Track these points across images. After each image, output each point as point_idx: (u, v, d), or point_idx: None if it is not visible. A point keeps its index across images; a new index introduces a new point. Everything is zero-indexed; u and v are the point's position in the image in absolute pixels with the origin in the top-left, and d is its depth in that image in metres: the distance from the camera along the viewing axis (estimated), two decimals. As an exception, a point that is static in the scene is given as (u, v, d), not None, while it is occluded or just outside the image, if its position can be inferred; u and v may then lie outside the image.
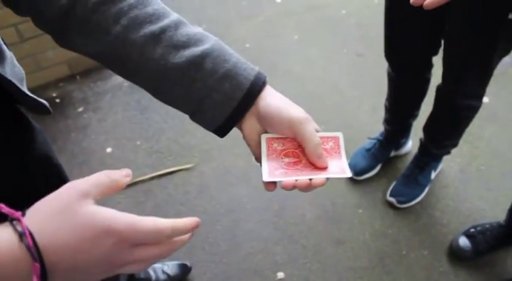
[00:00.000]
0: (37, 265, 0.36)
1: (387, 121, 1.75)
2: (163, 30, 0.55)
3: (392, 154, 1.85)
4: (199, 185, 1.84)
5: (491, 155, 1.87)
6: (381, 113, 1.82)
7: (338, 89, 2.18)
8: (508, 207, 1.53)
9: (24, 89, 0.70)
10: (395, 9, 1.31)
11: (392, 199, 1.71)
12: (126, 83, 2.24)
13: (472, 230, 1.58)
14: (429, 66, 1.47)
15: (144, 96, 2.15)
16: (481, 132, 1.92)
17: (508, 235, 1.54)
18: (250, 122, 0.57)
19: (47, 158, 0.87)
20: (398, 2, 1.29)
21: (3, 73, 0.63)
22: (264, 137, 0.56)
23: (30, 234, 0.37)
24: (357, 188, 1.81)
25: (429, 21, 1.27)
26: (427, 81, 1.52)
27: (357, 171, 1.79)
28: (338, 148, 0.57)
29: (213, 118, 0.56)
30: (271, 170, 0.54)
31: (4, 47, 0.68)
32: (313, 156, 0.54)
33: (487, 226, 1.57)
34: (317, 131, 0.56)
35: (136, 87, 2.27)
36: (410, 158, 1.84)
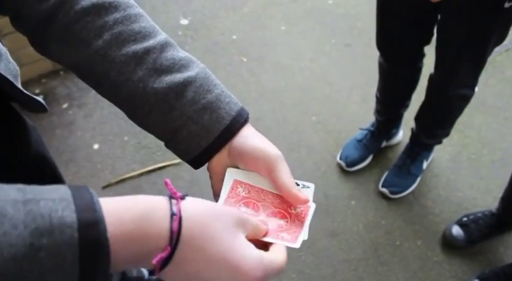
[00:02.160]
0: (168, 249, 0.37)
1: (378, 112, 1.74)
2: (147, 51, 0.52)
3: (384, 144, 1.84)
4: (190, 180, 1.82)
5: (481, 143, 1.88)
6: (371, 104, 1.81)
7: (327, 80, 2.16)
8: (499, 195, 1.54)
9: (19, 86, 0.67)
10: (390, 3, 1.29)
11: (384, 190, 1.71)
12: (112, 78, 2.18)
13: (465, 219, 1.58)
14: (421, 55, 1.46)
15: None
16: (471, 121, 1.93)
17: (500, 223, 1.55)
18: (219, 154, 0.54)
19: (42, 157, 0.85)
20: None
21: None
22: (231, 176, 0.52)
23: (180, 219, 0.38)
24: (349, 179, 1.80)
25: (422, 11, 1.26)
26: (418, 70, 1.52)
27: (349, 162, 1.78)
28: (304, 217, 0.51)
29: (188, 150, 0.54)
30: None
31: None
32: (291, 189, 0.50)
33: (479, 214, 1.58)
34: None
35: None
36: (401, 148, 1.84)
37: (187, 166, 1.95)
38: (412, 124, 1.69)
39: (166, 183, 0.41)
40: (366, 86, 2.07)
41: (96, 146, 1.94)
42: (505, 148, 1.86)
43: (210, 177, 0.56)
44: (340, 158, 1.80)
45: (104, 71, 0.52)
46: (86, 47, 0.51)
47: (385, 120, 1.75)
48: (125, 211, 0.37)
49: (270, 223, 0.49)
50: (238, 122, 0.53)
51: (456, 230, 1.56)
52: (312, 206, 0.52)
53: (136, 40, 0.52)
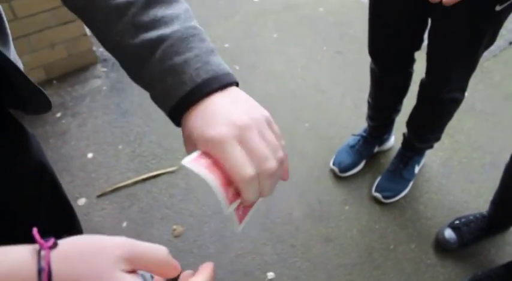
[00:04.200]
0: None
1: (370, 117, 1.76)
2: (129, 5, 0.51)
3: (376, 149, 1.87)
4: (185, 188, 1.82)
5: (471, 148, 1.91)
6: (363, 109, 1.83)
7: (319, 87, 2.19)
8: (490, 198, 1.57)
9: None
10: (380, 6, 1.32)
11: (378, 195, 1.73)
12: (105, 86, 2.20)
13: (457, 222, 1.60)
14: (412, 61, 1.48)
15: (124, 100, 2.12)
16: (460, 126, 1.96)
17: (491, 225, 1.57)
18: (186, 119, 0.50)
19: (42, 165, 0.85)
20: (385, 7, 1.29)
21: (8, 56, 0.60)
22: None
23: (49, 275, 0.36)
24: (343, 184, 1.82)
25: (413, 17, 1.28)
26: (409, 76, 1.54)
27: (342, 168, 1.80)
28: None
29: (161, 106, 0.52)
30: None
31: (9, 33, 0.65)
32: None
33: (471, 217, 1.60)
34: None
35: (116, 90, 2.24)
36: (393, 153, 1.87)
37: (182, 174, 1.97)
38: (403, 129, 1.72)
39: (33, 234, 0.38)
40: (358, 92, 2.10)
41: (90, 155, 1.94)
42: (494, 152, 1.89)
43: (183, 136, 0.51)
44: (334, 164, 1.82)
45: (93, 18, 0.53)
46: None
47: (377, 125, 1.77)
48: None
49: None
50: (203, 90, 0.47)
51: (449, 233, 1.58)
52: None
53: None
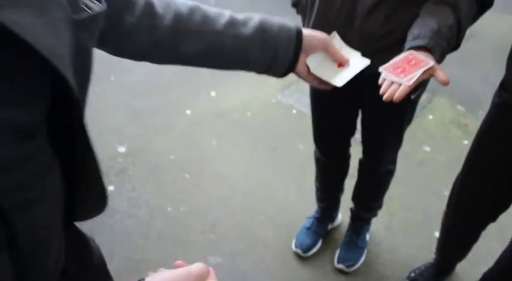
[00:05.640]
0: None
1: (320, 199, 2.03)
2: (219, 14, 0.85)
3: (329, 227, 2.12)
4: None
5: (404, 209, 2.26)
6: (308, 195, 2.10)
7: (264, 182, 2.44)
8: (430, 248, 1.88)
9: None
10: (321, 109, 1.63)
11: (341, 265, 1.95)
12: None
13: (413, 274, 1.87)
14: (349, 145, 1.80)
15: (87, 222, 2.17)
16: (391, 193, 2.29)
17: (440, 270, 1.86)
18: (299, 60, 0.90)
19: (103, 265, 0.93)
20: (325, 106, 1.60)
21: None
22: (313, 59, 0.90)
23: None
24: (307, 264, 2.02)
25: (349, 111, 1.60)
26: (348, 158, 1.86)
27: (304, 248, 2.02)
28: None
29: (284, 58, 0.86)
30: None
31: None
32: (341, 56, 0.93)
33: (423, 267, 1.88)
34: None
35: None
36: (342, 227, 2.14)
37: None
38: (346, 206, 2.00)
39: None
40: (300, 180, 2.38)
41: None
42: (423, 208, 2.25)
43: (301, 77, 0.92)
44: (296, 246, 2.03)
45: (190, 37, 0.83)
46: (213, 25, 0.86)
47: (327, 206, 2.04)
48: None
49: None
50: (299, 28, 0.88)
51: (409, 285, 1.84)
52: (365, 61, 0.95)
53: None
